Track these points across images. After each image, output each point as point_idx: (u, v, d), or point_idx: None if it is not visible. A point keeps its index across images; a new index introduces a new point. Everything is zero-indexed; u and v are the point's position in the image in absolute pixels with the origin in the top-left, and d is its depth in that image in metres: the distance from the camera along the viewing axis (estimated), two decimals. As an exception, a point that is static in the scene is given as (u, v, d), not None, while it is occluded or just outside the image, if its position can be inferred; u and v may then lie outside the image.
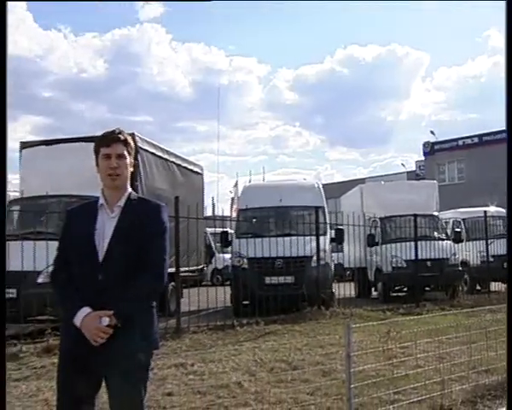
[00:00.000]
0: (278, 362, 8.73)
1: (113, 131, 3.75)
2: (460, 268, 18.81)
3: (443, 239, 19.31)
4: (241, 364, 8.70)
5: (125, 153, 3.72)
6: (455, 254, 18.83)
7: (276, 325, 12.72)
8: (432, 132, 53.48)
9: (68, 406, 3.61)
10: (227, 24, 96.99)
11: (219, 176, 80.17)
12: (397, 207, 19.29)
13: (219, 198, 44.23)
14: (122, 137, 3.73)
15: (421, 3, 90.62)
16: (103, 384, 3.68)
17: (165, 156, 16.18)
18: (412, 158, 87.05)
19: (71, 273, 3.65)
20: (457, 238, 19.57)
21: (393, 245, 18.29)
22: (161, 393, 7.00)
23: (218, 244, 24.31)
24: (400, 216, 18.99)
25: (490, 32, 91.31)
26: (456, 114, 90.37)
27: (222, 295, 14.90)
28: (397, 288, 19.37)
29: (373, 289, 20.61)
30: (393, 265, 18.42)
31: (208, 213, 24.77)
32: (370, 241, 19.20)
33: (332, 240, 16.82)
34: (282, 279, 15.28)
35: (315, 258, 15.16)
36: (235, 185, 41.99)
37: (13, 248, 10.82)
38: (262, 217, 17.41)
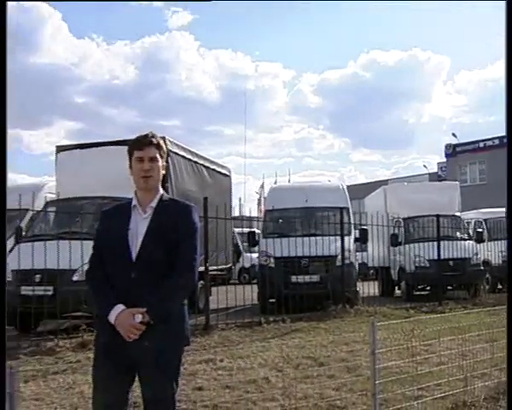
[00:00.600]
0: (304, 359, 8.72)
1: (146, 135, 3.77)
2: (482, 268, 18.65)
3: (465, 239, 19.15)
4: (268, 360, 8.69)
5: (158, 156, 3.74)
6: (477, 254, 18.66)
7: (302, 322, 12.71)
8: (453, 135, 53.07)
9: (104, 398, 3.63)
10: (253, 30, 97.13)
11: (246, 178, 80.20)
12: (420, 207, 19.18)
13: (246, 199, 44.33)
14: (155, 141, 3.75)
15: (442, 9, 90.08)
16: (137, 378, 3.71)
17: (195, 159, 16.23)
18: (434, 160, 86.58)
19: (105, 272, 3.68)
20: (479, 238, 19.40)
21: (416, 245, 18.14)
22: (191, 387, 7.04)
23: (245, 244, 24.31)
24: (423, 216, 18.90)
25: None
26: (477, 117, 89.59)
27: (249, 294, 14.90)
28: (420, 287, 19.22)
29: (396, 287, 20.47)
30: (416, 264, 18.29)
31: (235, 213, 24.84)
32: (394, 241, 19.10)
33: (356, 240, 16.77)
34: (307, 278, 15.24)
35: (340, 257, 15.11)
36: (262, 187, 42.08)
37: (49, 247, 10.99)
38: (288, 217, 17.41)
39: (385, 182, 39.79)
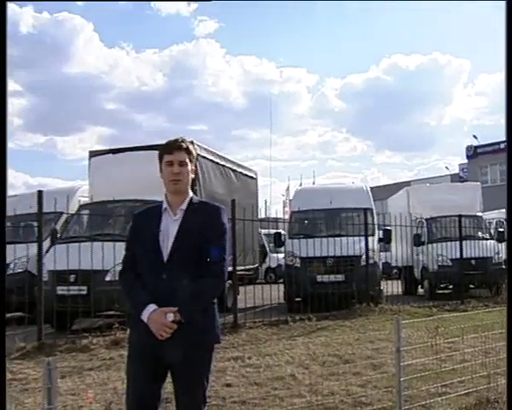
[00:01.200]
0: (330, 356, 8.71)
1: (175, 140, 3.78)
2: (503, 266, 18.45)
3: (487, 239, 18.98)
4: (294, 357, 8.69)
5: (187, 160, 3.75)
6: (498, 253, 18.47)
7: (328, 320, 12.69)
8: (474, 136, 52.69)
9: (137, 394, 3.65)
10: (277, 37, 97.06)
11: (272, 180, 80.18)
12: (442, 208, 19.07)
13: (272, 201, 44.29)
14: (184, 145, 3.76)
15: (461, 13, 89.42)
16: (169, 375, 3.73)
17: (222, 162, 16.27)
18: (455, 161, 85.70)
19: (138, 272, 3.70)
20: (501, 238, 19.19)
21: (439, 245, 18.03)
22: (221, 384, 7.06)
23: (271, 244, 24.31)
24: (445, 217, 18.78)
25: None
26: (497, 119, 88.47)
27: (275, 293, 14.89)
28: (442, 285, 19.08)
29: (419, 286, 20.35)
30: (439, 263, 18.18)
31: (262, 215, 24.87)
32: (417, 241, 19.02)
33: (380, 240, 16.71)
34: (332, 277, 15.20)
35: (364, 257, 15.06)
36: (287, 189, 42.13)
37: (83, 248, 11.08)
38: (313, 218, 17.40)
39: (407, 183, 39.54)
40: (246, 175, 18.27)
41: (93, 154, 15.51)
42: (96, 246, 11.18)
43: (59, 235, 13.29)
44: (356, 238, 15.19)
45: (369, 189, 18.29)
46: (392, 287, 16.76)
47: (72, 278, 11.70)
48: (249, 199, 16.96)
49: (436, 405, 5.97)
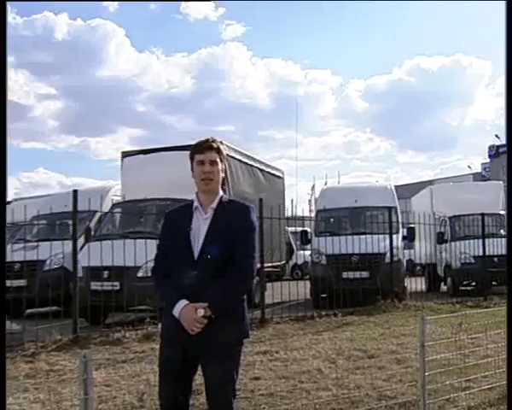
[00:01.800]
0: (355, 351, 8.66)
1: (206, 140, 3.80)
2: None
3: (509, 236, 18.77)
4: (321, 352, 8.66)
5: (217, 159, 3.76)
6: (521, 251, 18.25)
7: (353, 316, 12.64)
8: (496, 136, 52.14)
9: (169, 387, 3.68)
10: (302, 40, 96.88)
11: (297, 180, 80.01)
12: (465, 206, 18.89)
13: (298, 200, 44.18)
14: (214, 145, 3.77)
15: (483, 15, 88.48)
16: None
17: (250, 162, 16.29)
18: (477, 160, 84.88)
19: (169, 269, 3.72)
20: (523, 235, 18.97)
21: (462, 242, 17.92)
22: (249, 377, 7.06)
23: (298, 242, 24.28)
24: (468, 215, 18.61)
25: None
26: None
27: (302, 289, 14.87)
28: (465, 282, 18.90)
29: (442, 283, 20.20)
30: (462, 261, 18.02)
31: (288, 213, 24.83)
32: (440, 238, 18.87)
33: (404, 238, 16.63)
34: (357, 274, 15.16)
35: (388, 254, 15.00)
36: (313, 188, 41.97)
37: (116, 246, 11.16)
38: (339, 217, 17.36)
39: (430, 182, 39.21)
40: (273, 174, 18.28)
41: (125, 154, 15.63)
42: (128, 243, 11.26)
43: (93, 233, 13.40)
44: (380, 236, 15.15)
45: (393, 187, 18.20)
46: (416, 284, 16.66)
47: (105, 274, 11.81)
48: (276, 198, 16.95)
49: (459, 399, 5.93)
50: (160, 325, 9.75)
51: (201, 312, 3.49)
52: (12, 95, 78.77)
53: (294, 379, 7.08)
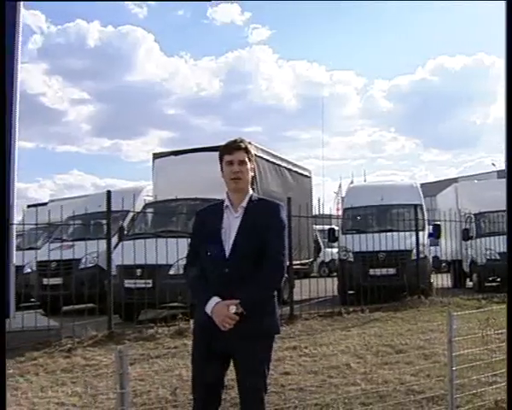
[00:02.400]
0: (383, 346, 8.62)
1: (235, 141, 3.80)
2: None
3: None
4: (349, 347, 8.64)
5: (246, 159, 3.75)
6: (547, 247, 17.98)
7: (380, 312, 12.56)
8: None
9: (202, 382, 3.68)
10: (326, 42, 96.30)
11: (324, 179, 79.80)
12: (490, 203, 18.63)
13: (324, 198, 44.08)
14: (243, 145, 3.77)
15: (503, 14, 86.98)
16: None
17: (278, 162, 16.30)
18: (501, 158, 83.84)
19: (201, 266, 3.72)
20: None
21: (487, 239, 17.70)
22: (279, 372, 7.06)
23: (325, 240, 24.23)
24: (493, 212, 18.36)
25: None
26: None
27: (329, 286, 14.83)
28: (490, 278, 18.70)
29: (468, 279, 20.01)
30: (487, 257, 17.82)
31: (315, 212, 24.75)
32: (465, 235, 18.70)
33: (430, 235, 16.50)
34: (384, 271, 15.08)
35: (414, 251, 14.92)
36: (339, 187, 41.87)
37: (148, 244, 11.23)
38: (365, 215, 17.29)
39: (455, 180, 38.85)
40: (300, 174, 18.28)
41: (156, 156, 15.76)
42: (160, 242, 11.31)
43: (126, 232, 13.50)
44: (407, 233, 15.08)
45: (418, 185, 18.10)
46: (442, 280, 16.52)
47: (138, 272, 11.89)
48: (304, 197, 16.93)
49: (487, 393, 5.86)
50: (191, 322, 9.87)
51: (233, 309, 3.48)
52: (47, 101, 79.87)
53: (323, 374, 7.06)
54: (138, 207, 14.52)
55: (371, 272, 15.09)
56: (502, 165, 53.03)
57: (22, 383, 7.15)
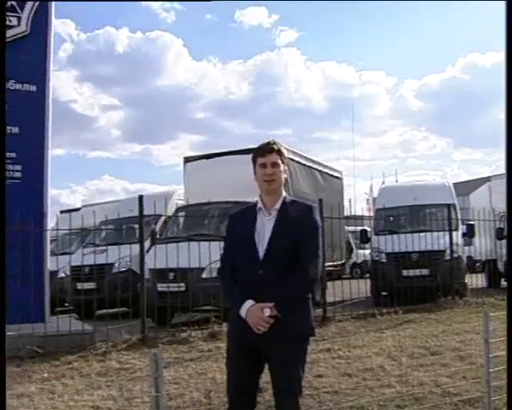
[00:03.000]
0: (418, 348, 8.55)
1: (267, 143, 3.80)
2: None
3: None
4: (383, 349, 8.59)
5: (279, 161, 3.76)
6: None
7: (414, 313, 12.45)
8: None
9: (237, 385, 3.69)
10: (355, 42, 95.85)
11: (355, 180, 79.31)
12: (525, 201, 18.38)
13: (356, 199, 43.87)
14: (276, 148, 3.77)
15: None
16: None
17: (309, 164, 16.28)
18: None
19: (235, 269, 3.73)
20: None
21: (523, 237, 17.44)
22: (313, 375, 7.04)
23: (356, 241, 24.13)
24: (529, 210, 18.10)
25: None
26: None
27: (362, 287, 14.76)
28: (527, 278, 18.40)
29: (503, 279, 19.72)
30: (523, 256, 17.57)
31: (346, 213, 24.68)
32: (500, 234, 18.39)
33: (463, 234, 16.32)
34: (417, 272, 14.94)
35: (448, 251, 14.78)
36: (370, 187, 41.68)
37: (181, 248, 11.28)
38: (398, 215, 17.17)
39: (488, 179, 38.36)
40: (331, 175, 18.25)
41: (188, 159, 15.83)
42: (192, 245, 11.34)
43: (158, 236, 13.58)
44: (440, 233, 14.95)
45: (451, 185, 17.91)
46: (476, 280, 16.32)
47: (171, 275, 11.95)
48: (335, 198, 16.85)
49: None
50: (224, 325, 9.90)
51: (267, 311, 3.48)
52: (77, 107, 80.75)
53: (358, 376, 7.03)
54: (170, 211, 14.60)
55: (404, 272, 14.98)
56: (536, 162, 52.39)
57: (58, 386, 7.23)
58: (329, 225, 13.39)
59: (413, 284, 13.96)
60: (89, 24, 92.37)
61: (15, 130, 10.61)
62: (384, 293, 15.08)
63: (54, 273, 13.33)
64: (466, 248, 18.28)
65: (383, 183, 36.59)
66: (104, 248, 14.05)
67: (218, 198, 13.22)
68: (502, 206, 18.73)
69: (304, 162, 15.89)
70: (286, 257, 3.59)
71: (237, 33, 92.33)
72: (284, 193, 3.82)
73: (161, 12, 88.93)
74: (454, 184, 18.68)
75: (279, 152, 3.78)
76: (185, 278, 11.78)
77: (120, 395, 6.65)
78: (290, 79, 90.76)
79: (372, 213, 20.79)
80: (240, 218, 3.89)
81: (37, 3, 10.84)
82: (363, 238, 17.43)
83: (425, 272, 15.00)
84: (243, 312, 3.53)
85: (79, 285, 13.96)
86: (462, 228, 16.33)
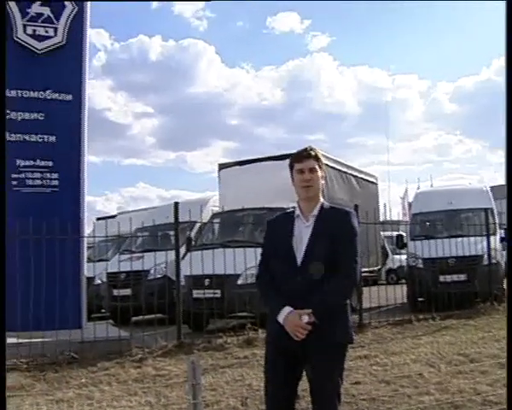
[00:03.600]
0: (456, 355, 8.42)
1: (305, 149, 3.80)
2: None
3: None
4: (420, 356, 8.49)
5: (317, 167, 3.75)
6: None
7: (451, 319, 12.29)
8: None
9: (275, 392, 3.67)
10: (387, 46, 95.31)
11: (389, 184, 78.74)
12: None
13: (391, 204, 43.55)
14: (313, 153, 3.77)
15: None
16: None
17: (344, 169, 16.23)
18: None
19: (273, 275, 3.72)
20: None
21: None
22: (350, 382, 6.95)
23: (392, 246, 23.92)
24: None
25: None
26: None
27: (398, 293, 14.62)
28: None
29: (543, 284, 19.38)
30: None
31: (381, 218, 24.53)
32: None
33: (502, 239, 16.06)
34: (455, 277, 14.74)
35: (486, 256, 14.58)
36: (405, 192, 41.28)
37: (216, 254, 11.30)
38: (434, 220, 16.97)
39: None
40: (367, 180, 18.15)
41: (222, 166, 15.90)
42: (227, 252, 11.35)
43: (193, 242, 13.64)
44: (477, 238, 14.73)
45: (488, 189, 17.65)
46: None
47: (206, 282, 11.98)
48: (370, 203, 16.77)
49: None
50: (260, 331, 9.89)
51: (306, 318, 3.46)
52: (111, 115, 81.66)
53: (395, 384, 6.94)
54: (205, 218, 14.66)
55: (441, 278, 14.78)
56: None
57: (95, 392, 7.28)
58: (365, 230, 13.30)
59: (450, 290, 13.79)
60: (122, 33, 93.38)
61: (52, 139, 10.77)
62: (421, 299, 14.92)
63: (90, 280, 13.48)
64: (504, 253, 18.00)
65: (418, 188, 36.24)
66: (140, 254, 14.17)
67: (252, 204, 13.24)
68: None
69: (339, 168, 15.84)
70: (324, 263, 3.57)
71: (269, 39, 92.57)
72: (322, 199, 3.81)
73: (193, 20, 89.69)
74: (491, 187, 18.41)
75: (316, 158, 3.77)
76: (221, 284, 11.78)
77: (157, 402, 6.68)
78: (323, 84, 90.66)
79: (407, 218, 20.59)
80: (278, 224, 3.89)
81: (72, 14, 11.00)
82: (400, 244, 17.27)
83: (462, 277, 14.80)
84: (281, 318, 3.52)
85: (116, 292, 14.08)
86: (500, 233, 16.06)
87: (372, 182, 18.80)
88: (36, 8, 10.78)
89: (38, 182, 10.64)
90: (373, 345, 9.77)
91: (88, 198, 11.47)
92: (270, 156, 14.17)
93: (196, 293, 12.13)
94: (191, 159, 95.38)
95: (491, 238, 14.77)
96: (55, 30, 10.89)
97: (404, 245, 16.93)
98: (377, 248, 18.03)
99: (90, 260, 13.54)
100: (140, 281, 13.69)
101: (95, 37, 76.50)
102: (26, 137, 10.66)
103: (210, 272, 11.30)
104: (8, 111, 10.40)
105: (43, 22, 10.81)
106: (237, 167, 15.37)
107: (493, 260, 14.68)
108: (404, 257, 19.14)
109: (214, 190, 16.68)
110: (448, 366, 7.73)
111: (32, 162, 10.65)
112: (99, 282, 15.88)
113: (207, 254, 11.30)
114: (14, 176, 10.48)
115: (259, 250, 4.02)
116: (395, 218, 32.47)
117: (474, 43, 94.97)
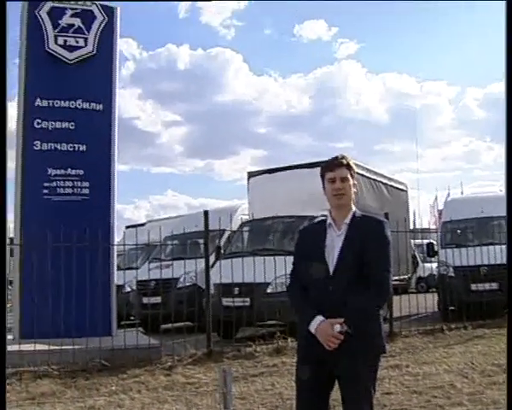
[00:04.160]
0: (489, 365, 8.29)
1: (336, 157, 3.79)
2: None
3: None
4: (452, 366, 8.38)
5: (348, 176, 3.74)
6: None
7: (484, 329, 12.10)
8: None
9: (306, 402, 3.65)
10: (415, 53, 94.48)
11: (419, 192, 77.98)
12: None
13: (420, 212, 43.15)
14: (345, 162, 3.76)
15: None
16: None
17: (373, 177, 16.12)
18: None
19: (305, 284, 3.70)
20: None
21: None
22: (381, 392, 6.87)
23: (421, 254, 23.71)
24: None
25: None
26: None
27: (428, 302, 14.44)
28: None
29: None
30: None
31: (410, 226, 24.36)
32: None
33: (535, 247, 15.83)
34: (487, 286, 14.51)
35: (519, 265, 14.35)
36: (435, 199, 40.93)
37: (246, 263, 11.29)
38: (465, 228, 16.76)
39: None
40: (396, 188, 18.01)
41: (251, 174, 15.90)
42: (257, 260, 11.32)
43: (223, 251, 13.65)
44: (510, 246, 14.51)
45: (521, 196, 17.39)
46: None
47: (236, 290, 11.97)
48: (400, 211, 16.65)
49: None
50: (289, 340, 9.85)
51: (338, 327, 3.43)
52: (140, 124, 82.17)
53: (427, 394, 6.86)
54: (235, 226, 14.67)
55: (473, 287, 14.57)
56: None
57: (125, 400, 7.32)
58: (395, 238, 13.18)
59: (482, 299, 13.60)
60: (151, 42, 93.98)
61: (83, 148, 10.90)
62: (452, 308, 14.73)
63: (120, 287, 13.56)
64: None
65: (448, 195, 35.91)
66: (170, 262, 14.20)
67: (281, 213, 13.22)
68: None
69: (368, 175, 15.74)
70: (356, 273, 3.54)
71: (297, 47, 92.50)
72: (354, 208, 3.78)
73: (221, 29, 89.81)
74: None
75: (348, 166, 3.76)
76: (250, 292, 11.78)
77: (188, 410, 6.68)
78: (351, 91, 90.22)
79: (437, 226, 20.39)
80: (309, 233, 3.88)
81: (102, 25, 11.13)
82: (430, 252, 17.08)
83: (495, 286, 14.55)
84: (313, 328, 3.50)
85: (145, 300, 14.12)
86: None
87: (402, 189, 18.65)
88: (67, 19, 10.94)
89: (69, 190, 10.77)
90: (404, 354, 9.67)
91: (117, 206, 11.56)
92: (299, 164, 14.14)
93: (226, 301, 12.13)
94: (219, 167, 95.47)
95: (524, 246, 14.54)
96: (86, 40, 11.03)
97: (435, 253, 16.72)
98: (407, 257, 17.85)
99: (119, 268, 13.62)
100: (169, 289, 13.71)
101: (123, 46, 77.27)
102: (58, 146, 10.80)
103: (239, 281, 11.31)
104: (39, 120, 10.58)
105: (73, 33, 10.96)
106: (266, 175, 15.36)
107: (527, 269, 14.43)
108: (433, 265, 18.95)
109: (242, 198, 16.72)
110: (481, 376, 7.62)
111: (63, 171, 10.78)
112: (129, 290, 15.97)
113: (237, 263, 11.28)
114: (45, 184, 10.63)
115: (289, 258, 4.00)
116: (425, 226, 32.08)
117: (503, 48, 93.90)
